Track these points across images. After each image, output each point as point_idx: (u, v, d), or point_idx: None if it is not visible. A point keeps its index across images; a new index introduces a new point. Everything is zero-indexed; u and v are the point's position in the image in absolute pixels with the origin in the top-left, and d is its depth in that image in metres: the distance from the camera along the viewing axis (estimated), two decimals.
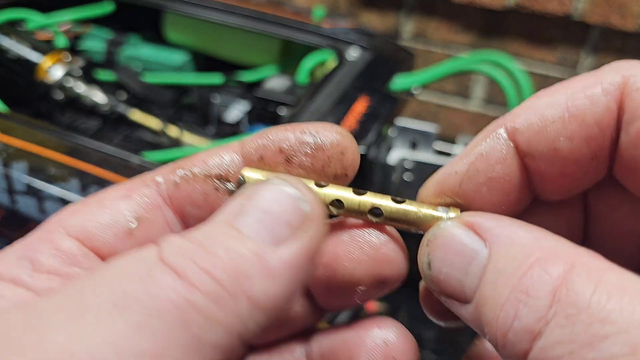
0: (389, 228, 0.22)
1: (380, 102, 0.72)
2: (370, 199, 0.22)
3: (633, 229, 0.22)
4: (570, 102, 0.20)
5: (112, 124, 0.90)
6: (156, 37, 1.03)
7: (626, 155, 0.20)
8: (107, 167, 0.59)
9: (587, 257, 0.17)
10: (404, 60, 0.87)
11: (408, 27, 1.33)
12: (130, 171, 0.59)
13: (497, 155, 0.21)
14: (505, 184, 0.21)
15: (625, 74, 0.20)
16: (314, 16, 0.97)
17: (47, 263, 0.19)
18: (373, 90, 0.75)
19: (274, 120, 0.83)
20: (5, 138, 0.61)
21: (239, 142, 0.22)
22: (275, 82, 0.89)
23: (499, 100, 1.32)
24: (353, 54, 0.83)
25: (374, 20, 1.34)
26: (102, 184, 0.57)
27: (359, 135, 0.66)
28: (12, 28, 0.89)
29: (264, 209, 0.18)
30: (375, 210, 0.22)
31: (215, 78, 0.97)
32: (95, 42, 1.02)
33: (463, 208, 0.22)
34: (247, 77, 0.96)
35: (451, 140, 0.85)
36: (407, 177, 0.78)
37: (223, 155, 0.22)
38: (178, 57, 1.01)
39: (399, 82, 0.79)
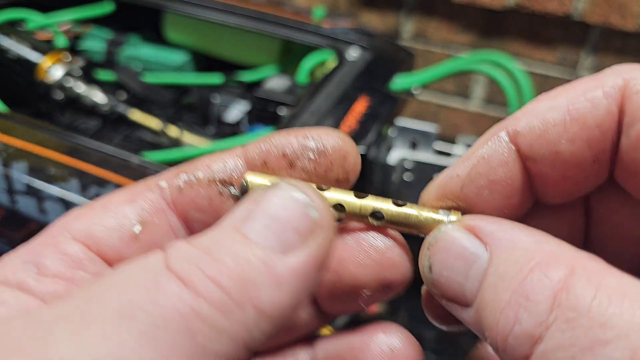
0: (394, 232, 0.22)
1: (380, 102, 0.72)
2: (372, 202, 0.22)
3: (634, 232, 0.22)
4: (572, 105, 0.20)
5: (112, 124, 0.90)
6: (156, 37, 1.03)
7: (626, 158, 0.20)
8: (107, 167, 0.59)
9: (587, 261, 0.17)
10: (404, 60, 0.87)
11: (408, 27, 1.33)
12: (130, 171, 0.59)
13: (499, 158, 0.21)
14: (507, 187, 0.21)
15: (626, 76, 0.20)
16: (314, 16, 0.97)
17: (53, 267, 0.19)
18: (373, 90, 0.75)
19: (274, 120, 0.83)
20: (5, 138, 0.61)
21: (242, 147, 0.22)
22: (275, 82, 0.89)
23: (499, 100, 1.32)
24: (353, 54, 0.83)
25: (374, 20, 1.34)
26: (102, 184, 0.57)
27: (359, 135, 0.66)
28: (12, 28, 0.89)
29: (271, 215, 0.18)
30: (377, 214, 0.22)
31: (215, 78, 0.97)
32: (95, 42, 1.02)
33: (465, 211, 0.22)
34: (247, 77, 0.96)
35: (451, 140, 0.85)
36: (407, 177, 0.78)
37: (226, 160, 0.22)
38: (178, 57, 1.01)
39: (399, 82, 0.79)
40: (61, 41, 0.94)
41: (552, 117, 0.20)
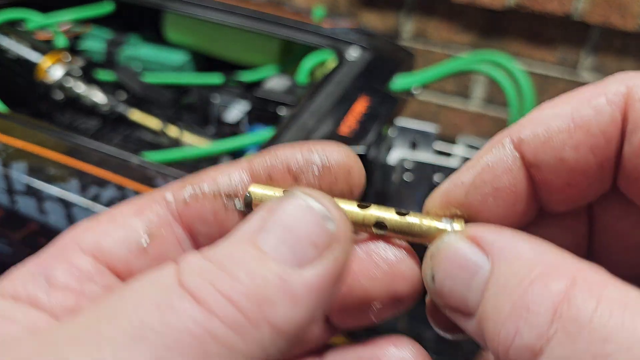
0: (404, 243, 0.22)
1: (380, 102, 0.72)
2: (375, 212, 0.21)
3: (638, 239, 0.22)
4: (576, 112, 0.20)
5: (112, 124, 0.90)
6: (156, 37, 1.03)
7: (629, 165, 0.20)
8: (107, 167, 0.59)
9: (588, 272, 0.17)
10: (404, 60, 0.87)
11: (408, 27, 1.33)
12: (130, 171, 0.59)
13: (503, 166, 0.21)
14: (512, 195, 0.21)
15: (629, 84, 0.20)
16: (314, 16, 0.96)
17: (63, 280, 0.19)
18: (373, 90, 0.75)
19: (274, 120, 0.83)
20: (5, 138, 0.61)
21: (247, 160, 0.22)
22: (275, 82, 0.89)
23: (499, 100, 1.32)
24: (353, 54, 0.83)
25: (374, 20, 1.34)
26: (102, 184, 0.57)
27: (359, 135, 0.66)
28: (12, 28, 0.89)
29: (287, 226, 0.17)
30: (380, 224, 0.22)
31: (215, 78, 0.97)
32: (95, 42, 1.02)
33: (469, 219, 0.22)
34: (247, 77, 0.96)
35: (451, 141, 0.85)
36: (407, 177, 0.78)
37: (232, 174, 0.22)
38: (178, 57, 1.01)
39: (399, 82, 0.79)
40: (61, 41, 0.94)
41: (557, 125, 0.20)
